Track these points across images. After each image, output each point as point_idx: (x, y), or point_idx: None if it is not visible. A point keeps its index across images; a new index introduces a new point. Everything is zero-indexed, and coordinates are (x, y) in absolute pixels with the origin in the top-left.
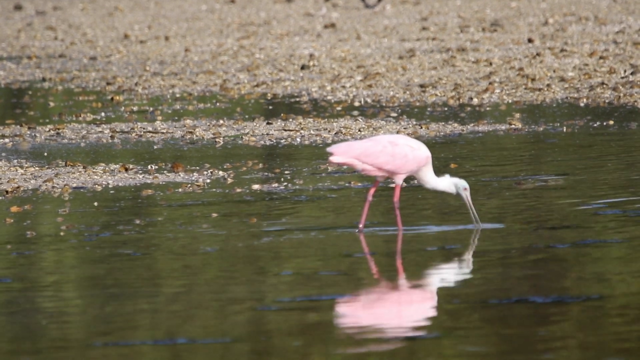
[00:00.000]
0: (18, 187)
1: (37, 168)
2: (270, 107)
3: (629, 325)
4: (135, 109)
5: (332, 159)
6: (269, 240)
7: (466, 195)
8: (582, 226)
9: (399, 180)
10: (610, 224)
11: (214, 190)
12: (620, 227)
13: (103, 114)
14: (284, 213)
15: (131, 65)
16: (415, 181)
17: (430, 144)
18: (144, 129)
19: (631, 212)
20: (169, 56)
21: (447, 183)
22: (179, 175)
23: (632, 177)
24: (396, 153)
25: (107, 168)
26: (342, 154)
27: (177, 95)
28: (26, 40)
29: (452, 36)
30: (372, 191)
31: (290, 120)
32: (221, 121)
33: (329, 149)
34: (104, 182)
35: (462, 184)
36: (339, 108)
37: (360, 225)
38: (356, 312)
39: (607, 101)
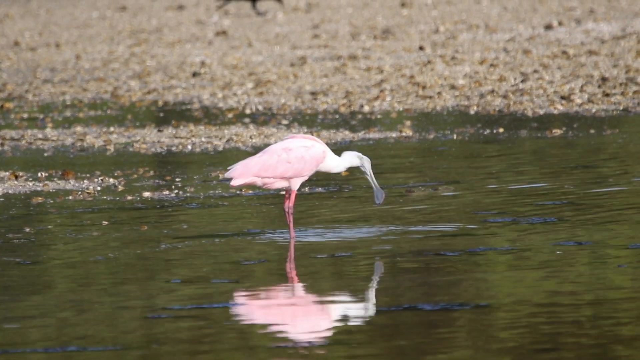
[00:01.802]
0: None
1: None
2: (162, 115)
3: (517, 333)
4: (25, 116)
5: (232, 183)
6: (159, 247)
7: (369, 166)
8: (472, 234)
9: (296, 185)
10: (499, 231)
11: (104, 197)
12: (508, 235)
13: None
14: (175, 220)
15: (21, 72)
16: (307, 188)
17: None
18: (34, 136)
19: (520, 219)
20: (60, 63)
21: (350, 158)
22: (70, 183)
23: (520, 185)
24: (292, 158)
25: None
26: (240, 176)
27: (68, 103)
28: None
29: (344, 44)
30: (285, 203)
31: (182, 127)
32: (112, 128)
33: (226, 175)
34: None
35: (366, 158)
36: (230, 115)
37: (293, 235)
38: (247, 320)
39: (497, 109)
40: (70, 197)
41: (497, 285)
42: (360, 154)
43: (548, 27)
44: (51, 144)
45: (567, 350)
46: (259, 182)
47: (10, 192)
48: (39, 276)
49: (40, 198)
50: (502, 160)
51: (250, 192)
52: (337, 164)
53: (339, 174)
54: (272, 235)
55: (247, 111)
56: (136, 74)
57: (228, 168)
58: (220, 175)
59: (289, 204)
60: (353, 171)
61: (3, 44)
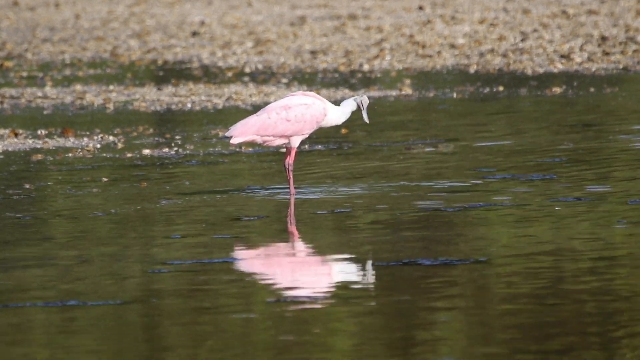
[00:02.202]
0: None
1: None
2: (161, 73)
3: (516, 288)
4: (25, 74)
5: (233, 141)
6: (159, 204)
7: (364, 103)
8: (471, 190)
9: (296, 143)
10: (498, 187)
11: (104, 155)
12: (507, 191)
13: None
14: (174, 177)
15: (21, 31)
16: (307, 145)
17: None
18: (33, 94)
19: (519, 176)
20: (59, 23)
21: (349, 104)
22: (69, 141)
23: (519, 142)
24: (291, 117)
25: None
26: (240, 134)
27: (67, 62)
28: None
29: (343, 3)
30: (286, 159)
31: (181, 86)
32: (111, 87)
33: (226, 134)
34: None
35: (363, 99)
36: (230, 74)
37: (293, 191)
38: (247, 275)
39: (497, 68)
40: (70, 155)
41: (496, 240)
42: (356, 97)
43: None
44: (51, 102)
45: (565, 303)
46: (259, 140)
47: (10, 149)
48: (39, 232)
49: (40, 155)
50: (502, 118)
51: (250, 149)
52: (339, 115)
53: (339, 129)
54: (272, 192)
55: (247, 70)
56: (136, 33)
57: (229, 128)
58: (220, 133)
59: (289, 161)
60: (352, 128)
61: (2, 4)
